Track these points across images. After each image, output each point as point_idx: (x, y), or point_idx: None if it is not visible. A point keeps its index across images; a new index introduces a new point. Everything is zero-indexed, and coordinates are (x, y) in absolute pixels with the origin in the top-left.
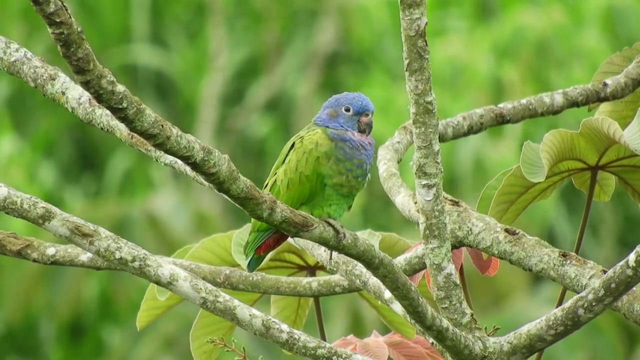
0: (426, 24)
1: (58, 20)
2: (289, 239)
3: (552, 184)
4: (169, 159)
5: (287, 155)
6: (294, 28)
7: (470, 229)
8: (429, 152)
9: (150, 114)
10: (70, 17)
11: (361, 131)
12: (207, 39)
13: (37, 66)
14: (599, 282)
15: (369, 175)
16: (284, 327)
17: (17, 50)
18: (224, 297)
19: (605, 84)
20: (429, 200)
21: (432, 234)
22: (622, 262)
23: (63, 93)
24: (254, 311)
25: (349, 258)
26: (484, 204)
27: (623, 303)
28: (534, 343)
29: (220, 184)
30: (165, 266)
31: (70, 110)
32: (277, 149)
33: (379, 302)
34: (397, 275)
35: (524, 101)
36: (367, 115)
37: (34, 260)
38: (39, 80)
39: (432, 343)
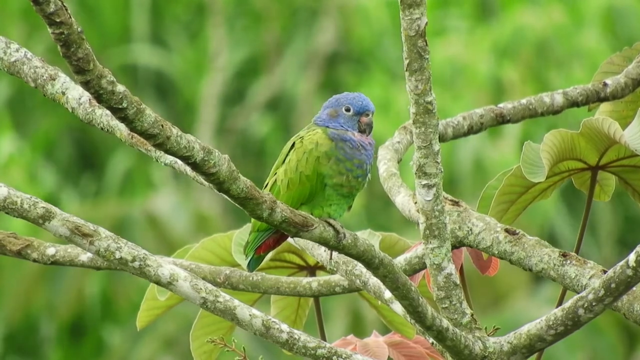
0: (426, 24)
1: (58, 20)
2: (289, 239)
3: (553, 184)
4: (169, 159)
5: (287, 155)
6: (294, 28)
7: (471, 229)
8: (429, 152)
9: (150, 114)
10: (70, 17)
11: (361, 131)
12: (207, 39)
13: (38, 66)
14: (599, 282)
15: (369, 175)
16: (284, 327)
17: (17, 51)
18: (224, 297)
19: (605, 84)
20: (429, 200)
21: (432, 234)
22: (622, 262)
23: (63, 93)
24: (254, 311)
25: (349, 258)
26: (484, 203)
27: (623, 303)
28: (534, 343)
29: (220, 184)
30: (165, 266)
31: (70, 110)
32: (277, 149)
33: (379, 302)
34: (397, 275)
35: (524, 101)
36: (368, 115)
37: (34, 260)
38: (39, 81)
39: (432, 343)
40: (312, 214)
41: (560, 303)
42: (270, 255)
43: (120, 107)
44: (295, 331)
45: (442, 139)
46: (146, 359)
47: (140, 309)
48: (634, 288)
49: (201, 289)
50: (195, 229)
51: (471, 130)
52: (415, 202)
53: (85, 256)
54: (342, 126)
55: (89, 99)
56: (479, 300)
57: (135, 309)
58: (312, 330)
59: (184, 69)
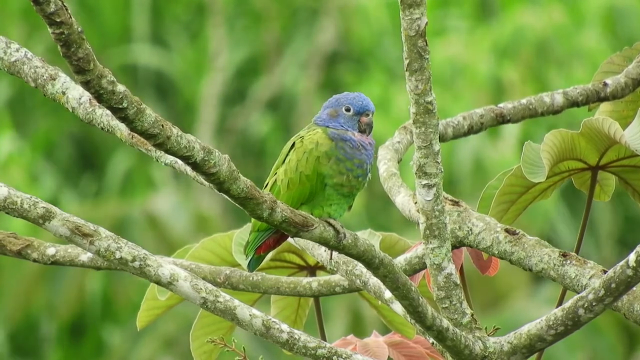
0: (426, 24)
1: (58, 20)
2: (289, 239)
3: (553, 184)
4: (169, 158)
5: (287, 155)
6: (294, 28)
7: (471, 229)
8: (429, 152)
9: (151, 114)
10: (71, 17)
11: (361, 131)
12: (207, 39)
13: (38, 66)
14: (599, 282)
15: (369, 175)
16: (284, 327)
17: (17, 50)
18: (224, 297)
19: (605, 84)
20: (429, 200)
21: (433, 234)
22: (622, 262)
23: (63, 93)
24: (254, 311)
25: (349, 258)
26: (484, 203)
27: (623, 303)
28: (534, 343)
29: (220, 184)
30: (166, 266)
31: (70, 110)
32: (277, 149)
33: (379, 302)
34: (397, 275)
35: (524, 101)
36: (368, 115)
37: (34, 260)
38: (40, 80)
39: (433, 343)
40: (312, 214)
41: (560, 303)
42: (270, 255)
43: (120, 107)
44: (296, 331)
45: (442, 139)
46: (146, 359)
47: (140, 308)
48: (634, 288)
49: (201, 289)
50: (195, 229)
51: (471, 130)
52: (416, 202)
53: (85, 256)
54: (342, 126)
55: (89, 99)
56: (479, 300)
57: (135, 309)
58: (312, 330)
59: (184, 69)
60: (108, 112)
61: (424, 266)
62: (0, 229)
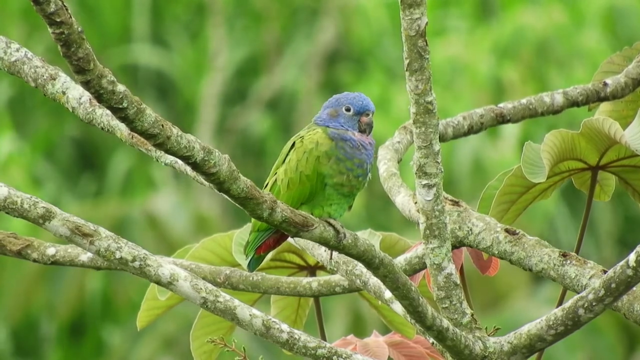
0: (426, 23)
1: (58, 20)
2: (289, 239)
3: (553, 184)
4: (170, 158)
5: (287, 154)
6: (294, 28)
7: (471, 229)
8: (429, 152)
9: (151, 114)
10: (71, 17)
11: (361, 131)
12: (207, 38)
13: (38, 66)
14: (599, 282)
15: (369, 174)
16: (284, 327)
17: (17, 50)
18: (224, 297)
19: (605, 84)
20: (429, 200)
21: (433, 234)
22: (622, 262)
23: (63, 93)
24: (254, 311)
25: (349, 258)
26: (485, 204)
27: (623, 303)
28: (534, 343)
29: (220, 184)
30: (166, 266)
31: (70, 110)
32: (277, 149)
33: (379, 302)
34: (397, 275)
35: (524, 101)
36: (368, 115)
37: (34, 260)
38: (40, 80)
39: (433, 343)
40: (312, 214)
41: (560, 303)
42: (270, 255)
43: (120, 106)
44: (296, 331)
45: (442, 138)
46: (146, 359)
47: (140, 308)
48: (634, 288)
49: (201, 288)
50: (195, 229)
51: (471, 130)
52: (416, 202)
53: (85, 256)
54: (342, 126)
55: (90, 99)
56: (479, 300)
57: (135, 309)
58: (312, 330)
59: (184, 68)
60: (108, 112)
61: (424, 266)
62: (0, 229)
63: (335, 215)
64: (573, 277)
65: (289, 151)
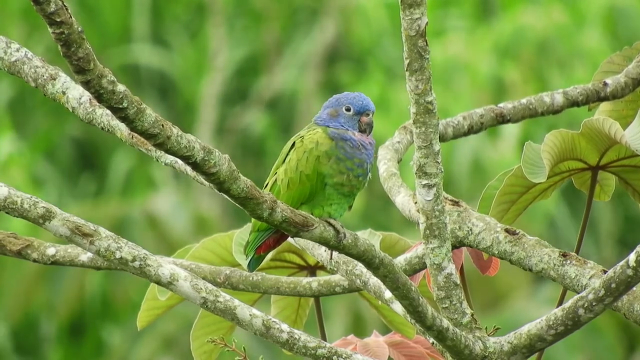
0: (427, 23)
1: (58, 20)
2: (289, 239)
3: (553, 184)
4: (170, 158)
5: (287, 154)
6: (294, 28)
7: (471, 229)
8: (430, 152)
9: (151, 114)
10: (71, 16)
11: (362, 131)
12: (207, 38)
13: (38, 66)
14: (599, 282)
15: (369, 174)
16: (284, 327)
17: (17, 50)
18: (224, 297)
19: (605, 84)
20: (429, 200)
21: (433, 234)
22: (622, 262)
23: (64, 93)
24: (254, 311)
25: (349, 258)
26: (485, 204)
27: (623, 303)
28: (534, 343)
29: (220, 184)
30: (166, 266)
31: (70, 110)
32: (277, 149)
33: (379, 302)
34: (397, 275)
35: (524, 101)
36: (368, 115)
37: (34, 260)
38: (40, 80)
39: (433, 343)
40: (312, 214)
41: (560, 303)
42: (270, 255)
43: (120, 106)
44: (296, 331)
45: (442, 138)
46: (146, 359)
47: (140, 308)
48: (634, 288)
49: (201, 288)
50: (195, 229)
51: (471, 130)
52: (416, 202)
53: (85, 256)
54: (342, 126)
55: (90, 99)
56: (479, 300)
57: (135, 309)
58: (312, 330)
59: (184, 68)
60: (108, 112)
61: (424, 266)
62: (0, 229)
63: (335, 215)
64: (573, 277)
65: (289, 151)
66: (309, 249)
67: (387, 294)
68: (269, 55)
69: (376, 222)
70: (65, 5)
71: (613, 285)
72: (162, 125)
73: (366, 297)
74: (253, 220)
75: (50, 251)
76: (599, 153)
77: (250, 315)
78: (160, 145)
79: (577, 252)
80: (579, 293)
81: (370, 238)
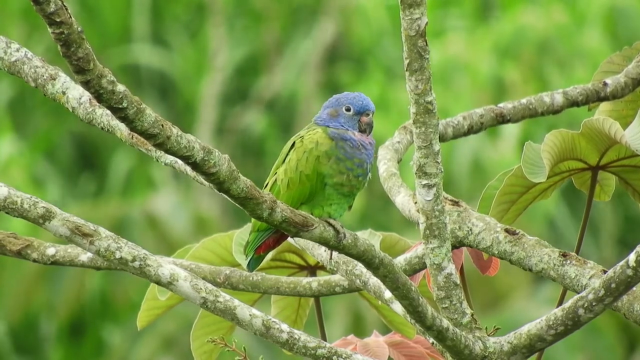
0: (426, 23)
1: (58, 20)
2: (289, 239)
3: (553, 184)
4: (170, 158)
5: (287, 154)
6: (294, 28)
7: (471, 229)
8: (429, 152)
9: (151, 114)
10: (71, 16)
11: (362, 131)
12: (207, 38)
13: (38, 66)
14: (599, 282)
15: (369, 174)
16: (284, 327)
17: (17, 50)
18: (224, 297)
19: (605, 84)
20: (429, 200)
21: (432, 234)
22: (622, 262)
23: (63, 93)
24: (254, 311)
25: (349, 258)
26: (485, 204)
27: (623, 303)
28: (534, 343)
29: (220, 184)
30: (166, 266)
31: (70, 110)
32: (277, 149)
33: (379, 302)
34: (397, 275)
35: (524, 101)
36: (368, 115)
37: (34, 260)
38: (40, 80)
39: (433, 343)
40: (312, 214)
41: (560, 303)
42: (270, 255)
43: (120, 106)
44: (296, 331)
45: (442, 138)
46: (146, 359)
47: (140, 308)
48: (634, 288)
49: (201, 288)
50: (195, 229)
51: (471, 130)
52: (415, 202)
53: (85, 256)
54: (342, 126)
55: (89, 99)
56: (479, 300)
57: (135, 309)
58: (312, 330)
59: (184, 68)
60: (108, 112)
61: (424, 266)
62: (0, 229)
63: (335, 215)
64: (573, 277)
65: (289, 151)
66: (309, 249)
67: (387, 294)
68: (268, 55)
69: (376, 222)
70: (65, 5)
71: (613, 285)
72: (162, 125)
73: (366, 297)
74: (253, 220)
75: (50, 251)
76: (599, 153)
77: (250, 315)
78: (160, 145)
79: (577, 252)
80: (579, 293)
81: (370, 238)
